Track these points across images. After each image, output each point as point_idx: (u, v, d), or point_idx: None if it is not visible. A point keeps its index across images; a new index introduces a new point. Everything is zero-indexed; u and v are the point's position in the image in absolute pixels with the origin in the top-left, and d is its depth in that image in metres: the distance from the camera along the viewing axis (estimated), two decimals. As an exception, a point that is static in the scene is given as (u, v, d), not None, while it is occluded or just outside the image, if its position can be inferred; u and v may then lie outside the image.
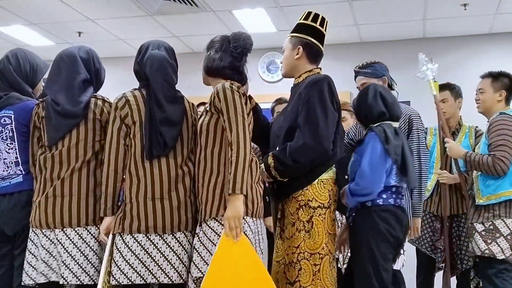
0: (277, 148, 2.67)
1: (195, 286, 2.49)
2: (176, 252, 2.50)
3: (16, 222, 2.65)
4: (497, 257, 3.07)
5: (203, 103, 3.13)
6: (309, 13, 2.80)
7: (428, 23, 5.57)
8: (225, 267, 2.36)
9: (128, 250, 2.44)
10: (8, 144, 2.69)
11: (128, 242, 2.45)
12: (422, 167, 3.13)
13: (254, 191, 2.50)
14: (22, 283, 2.55)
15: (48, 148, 2.58)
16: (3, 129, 2.70)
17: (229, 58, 2.59)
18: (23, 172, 2.69)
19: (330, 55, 6.07)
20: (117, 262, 2.43)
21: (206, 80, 2.72)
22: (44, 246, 2.51)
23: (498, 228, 3.10)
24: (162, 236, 2.47)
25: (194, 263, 2.47)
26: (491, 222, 3.12)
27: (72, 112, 2.55)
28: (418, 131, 3.16)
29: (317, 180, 2.61)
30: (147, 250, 2.45)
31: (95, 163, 2.59)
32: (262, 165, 2.64)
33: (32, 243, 2.56)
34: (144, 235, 2.45)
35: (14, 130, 2.69)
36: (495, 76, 3.35)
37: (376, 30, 5.77)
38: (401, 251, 3.21)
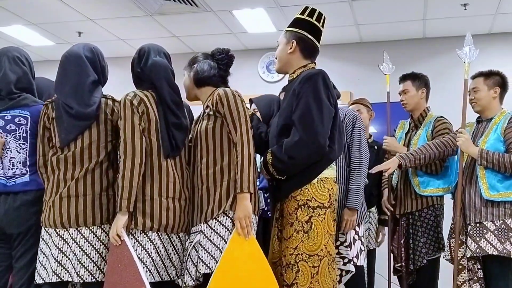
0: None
1: (194, 282, 2.49)
2: (177, 252, 2.59)
3: (21, 222, 2.63)
4: (511, 256, 3.03)
5: None
6: (306, 8, 2.78)
7: (428, 23, 5.57)
8: (234, 265, 2.40)
9: (153, 248, 2.48)
10: (20, 144, 2.68)
11: (142, 240, 2.48)
12: (363, 160, 3.19)
13: (256, 192, 2.57)
14: (35, 282, 2.55)
15: (60, 149, 2.57)
16: (17, 128, 2.69)
17: (217, 68, 2.71)
18: (29, 172, 2.68)
19: (330, 55, 6.09)
20: (142, 259, 2.45)
21: (192, 92, 2.76)
22: (57, 245, 2.51)
23: (510, 227, 3.06)
24: (169, 236, 2.54)
25: (201, 259, 2.46)
26: (502, 221, 3.07)
27: (86, 114, 2.55)
28: (359, 129, 3.25)
29: (317, 178, 2.59)
30: (158, 249, 2.50)
31: (107, 164, 2.60)
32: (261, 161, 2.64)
33: (44, 243, 2.55)
34: (155, 233, 2.49)
35: (28, 132, 2.69)
36: (486, 74, 3.35)
37: (376, 30, 5.77)
38: (362, 247, 3.25)
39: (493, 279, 3.12)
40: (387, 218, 3.82)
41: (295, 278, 2.51)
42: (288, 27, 2.80)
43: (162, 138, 2.52)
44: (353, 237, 3.21)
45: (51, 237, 2.52)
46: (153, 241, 2.48)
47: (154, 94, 2.57)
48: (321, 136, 2.52)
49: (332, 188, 2.63)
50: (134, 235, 2.47)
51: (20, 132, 2.68)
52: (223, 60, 2.72)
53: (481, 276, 3.18)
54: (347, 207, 3.14)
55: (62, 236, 2.50)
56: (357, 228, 3.24)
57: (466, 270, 3.21)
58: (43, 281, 2.53)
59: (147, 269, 2.45)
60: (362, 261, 3.26)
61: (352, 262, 3.13)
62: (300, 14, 2.79)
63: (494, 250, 3.05)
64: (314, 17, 2.75)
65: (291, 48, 2.72)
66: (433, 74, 5.54)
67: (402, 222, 3.58)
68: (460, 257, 3.24)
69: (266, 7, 5.18)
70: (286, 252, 2.56)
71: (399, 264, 3.59)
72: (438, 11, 5.24)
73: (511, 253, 3.03)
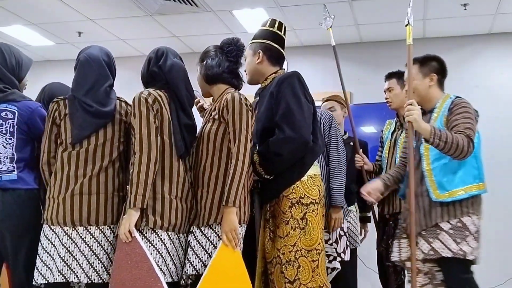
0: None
1: (184, 282, 2.51)
2: (183, 250, 2.58)
3: (12, 221, 2.59)
4: (468, 258, 2.80)
5: None
6: (267, 20, 2.89)
7: (428, 23, 5.57)
8: (218, 277, 2.40)
9: (164, 248, 2.47)
10: (7, 139, 2.66)
11: (153, 240, 2.46)
12: (341, 158, 3.27)
13: (247, 200, 2.56)
14: (34, 283, 2.51)
15: (71, 145, 2.55)
16: (3, 123, 2.66)
17: (226, 62, 2.68)
18: (16, 170, 2.65)
19: (330, 55, 6.08)
20: (154, 259, 2.43)
21: (205, 89, 2.75)
22: (65, 245, 2.48)
23: (466, 226, 2.83)
24: (178, 235, 2.53)
25: (189, 261, 2.48)
26: (458, 219, 2.83)
27: (104, 112, 2.56)
28: (336, 129, 3.40)
29: (306, 176, 2.65)
30: (168, 248, 2.49)
31: (119, 164, 2.60)
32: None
33: (49, 242, 2.51)
34: (165, 232, 2.47)
35: (15, 127, 2.67)
36: (421, 61, 3.07)
37: (376, 30, 5.77)
38: (348, 243, 3.35)
39: (449, 283, 2.87)
40: (368, 215, 3.81)
41: (296, 274, 2.57)
42: (251, 40, 2.87)
43: (175, 138, 2.52)
44: (339, 233, 3.30)
45: (58, 236, 2.49)
46: (163, 241, 2.46)
47: (166, 94, 2.57)
48: (305, 131, 2.58)
49: (320, 185, 2.71)
50: (145, 233, 2.44)
51: (6, 127, 2.66)
52: (232, 52, 2.69)
53: (442, 278, 2.92)
54: (332, 206, 3.21)
55: (70, 235, 2.48)
56: (342, 224, 3.31)
57: (423, 274, 2.96)
58: (46, 281, 2.49)
59: (159, 269, 2.42)
60: (348, 256, 3.35)
61: (337, 259, 3.20)
62: (261, 27, 2.88)
63: (448, 251, 2.80)
64: (276, 27, 2.85)
65: (258, 58, 2.81)
66: (433, 74, 5.56)
67: (391, 223, 3.54)
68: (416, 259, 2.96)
69: (266, 7, 5.18)
70: (285, 250, 2.60)
71: (387, 264, 3.53)
72: (438, 11, 5.24)
73: (467, 254, 2.79)
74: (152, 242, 2.44)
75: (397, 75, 3.67)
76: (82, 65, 2.65)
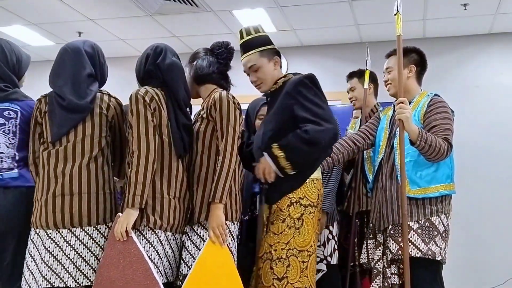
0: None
1: (180, 282, 2.52)
2: (179, 251, 2.58)
3: (15, 220, 2.54)
4: (436, 259, 2.77)
5: None
6: (250, 27, 2.76)
7: (428, 23, 5.57)
8: (205, 274, 2.41)
9: (162, 248, 2.46)
10: (10, 139, 2.61)
11: (153, 240, 2.44)
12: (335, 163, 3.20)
13: (239, 198, 2.59)
14: None
15: (51, 144, 2.49)
16: (6, 122, 2.61)
17: (216, 64, 2.71)
18: (17, 167, 2.60)
19: (330, 55, 6.09)
20: (153, 260, 2.41)
21: (194, 89, 2.75)
22: (48, 248, 2.41)
23: (435, 225, 2.80)
24: (175, 235, 2.52)
25: (184, 260, 2.52)
26: (426, 219, 2.80)
27: (79, 106, 2.48)
28: None
29: (309, 178, 2.64)
30: (165, 249, 2.48)
31: (102, 159, 2.52)
32: (265, 160, 2.56)
33: (34, 246, 2.44)
34: (163, 232, 2.46)
35: (17, 126, 2.62)
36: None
37: (376, 30, 5.76)
38: (336, 247, 3.34)
39: (417, 284, 2.76)
40: None
41: (285, 272, 2.56)
42: (251, 50, 2.70)
43: (174, 137, 2.51)
44: (327, 236, 3.33)
45: (41, 240, 2.43)
46: (161, 241, 2.45)
47: (163, 92, 2.55)
48: (334, 122, 2.59)
49: (320, 189, 2.70)
50: (145, 233, 2.42)
51: (9, 127, 2.62)
52: (222, 55, 2.73)
53: (395, 282, 2.86)
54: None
55: (54, 239, 2.41)
56: (330, 228, 3.36)
57: (381, 275, 2.89)
58: None
59: (157, 270, 2.41)
60: (336, 260, 3.33)
61: (324, 261, 3.21)
62: (255, 33, 2.74)
63: (418, 251, 2.76)
64: (262, 30, 2.77)
65: (275, 64, 2.74)
66: (433, 74, 5.52)
67: (357, 221, 3.45)
68: (376, 260, 2.94)
69: (266, 7, 5.18)
70: (278, 246, 2.59)
71: (352, 263, 3.43)
72: (438, 11, 5.24)
73: (436, 254, 2.77)
74: (152, 243, 2.43)
75: (358, 74, 3.71)
76: (61, 54, 2.60)
